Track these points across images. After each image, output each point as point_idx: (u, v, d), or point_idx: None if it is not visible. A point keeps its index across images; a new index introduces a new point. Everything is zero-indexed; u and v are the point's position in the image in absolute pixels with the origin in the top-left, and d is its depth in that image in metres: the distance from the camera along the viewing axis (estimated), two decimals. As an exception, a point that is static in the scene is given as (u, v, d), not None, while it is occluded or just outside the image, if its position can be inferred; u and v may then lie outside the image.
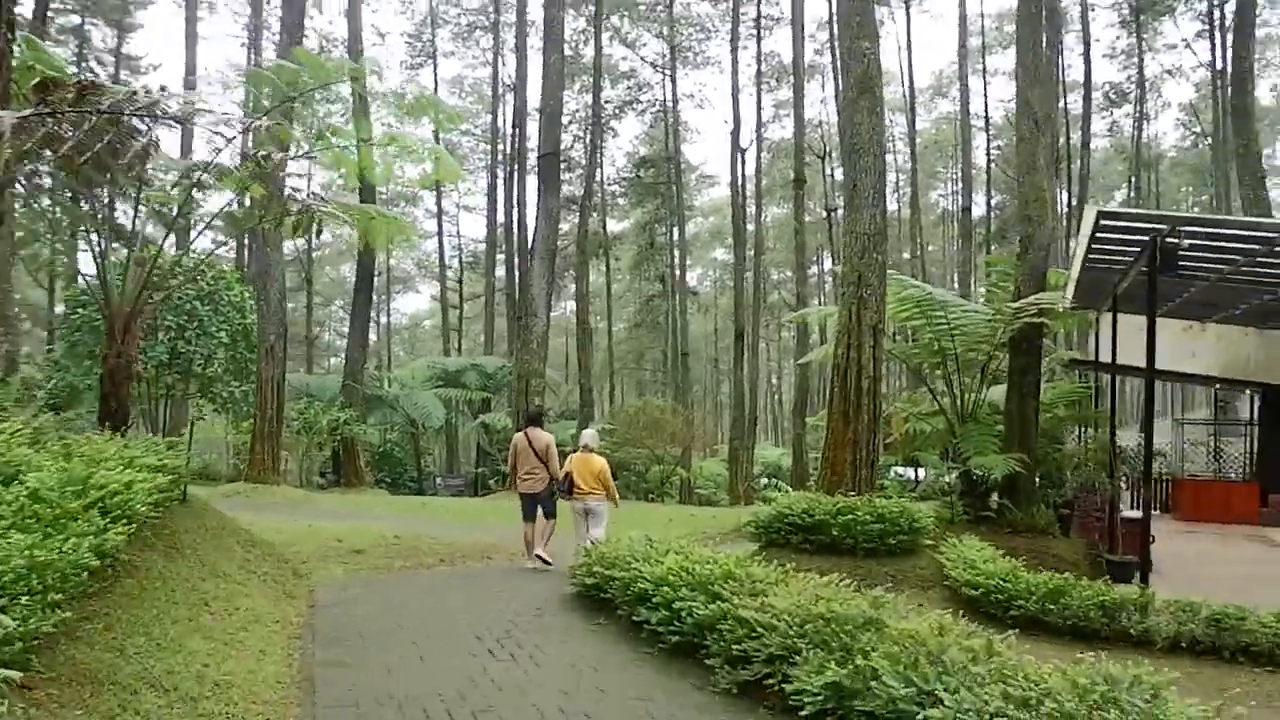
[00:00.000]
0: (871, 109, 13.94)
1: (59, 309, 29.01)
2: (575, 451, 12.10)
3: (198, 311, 25.63)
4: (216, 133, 8.15)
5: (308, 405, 29.20)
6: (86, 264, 11.07)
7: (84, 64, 49.01)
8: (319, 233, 11.60)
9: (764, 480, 44.59)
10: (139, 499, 6.20)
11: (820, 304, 43.68)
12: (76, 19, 48.88)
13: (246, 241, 24.15)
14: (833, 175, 55.46)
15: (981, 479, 14.14)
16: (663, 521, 20.24)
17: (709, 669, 6.78)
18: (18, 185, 9.25)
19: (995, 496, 14.40)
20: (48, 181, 9.57)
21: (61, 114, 6.55)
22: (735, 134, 37.52)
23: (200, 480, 26.50)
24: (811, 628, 6.05)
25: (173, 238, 11.68)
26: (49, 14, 47.34)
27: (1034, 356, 14.44)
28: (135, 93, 7.34)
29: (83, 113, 6.58)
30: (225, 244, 49.88)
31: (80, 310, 25.50)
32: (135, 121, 7.11)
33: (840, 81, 23.61)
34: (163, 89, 7.73)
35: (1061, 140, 37.88)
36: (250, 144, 10.45)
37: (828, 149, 52.47)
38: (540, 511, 12.12)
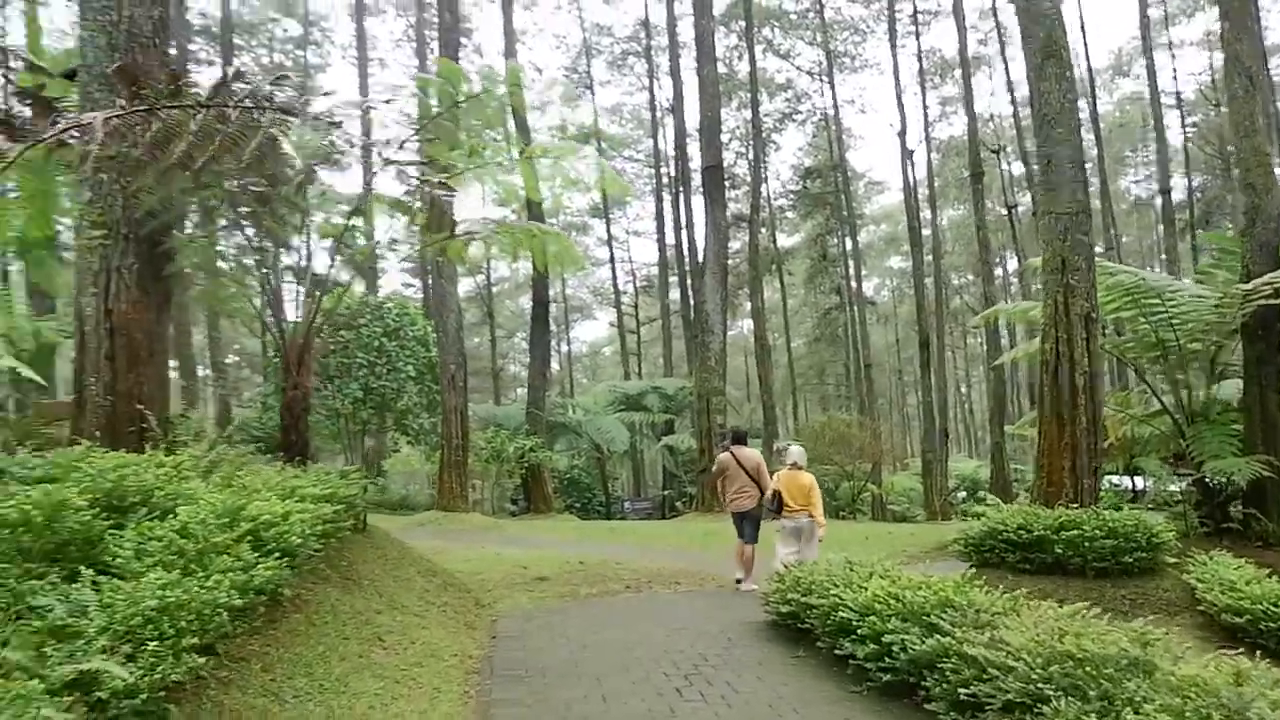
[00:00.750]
0: (1060, 75, 12.47)
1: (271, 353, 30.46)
2: (785, 469, 11.32)
3: (385, 348, 26.30)
4: (333, 123, 7.72)
5: (494, 434, 29.40)
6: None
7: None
8: (486, 259, 11.22)
9: (961, 494, 42.17)
10: (296, 530, 5.73)
11: (1008, 305, 41.06)
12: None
13: (429, 280, 24.58)
14: (1009, 170, 52.54)
15: (1221, 486, 12.38)
16: (858, 540, 18.98)
17: (930, 715, 5.75)
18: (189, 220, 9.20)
19: (1238, 505, 12.57)
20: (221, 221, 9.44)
21: (156, 108, 6.22)
22: (903, 135, 35.87)
23: (401, 510, 27.00)
24: (1059, 670, 4.94)
25: (344, 272, 11.17)
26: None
27: (1272, 343, 12.57)
28: (226, 80, 6.97)
29: (182, 107, 6.22)
30: (411, 285, 51.73)
31: (278, 353, 26.53)
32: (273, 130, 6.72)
33: (1019, 60, 21.75)
34: (280, 80, 7.36)
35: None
36: (409, 167, 10.16)
37: (1001, 143, 49.69)
38: (747, 532, 11.63)
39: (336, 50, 42.67)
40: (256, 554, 5.31)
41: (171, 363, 38.16)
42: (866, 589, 7.17)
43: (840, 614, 7.12)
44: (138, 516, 5.31)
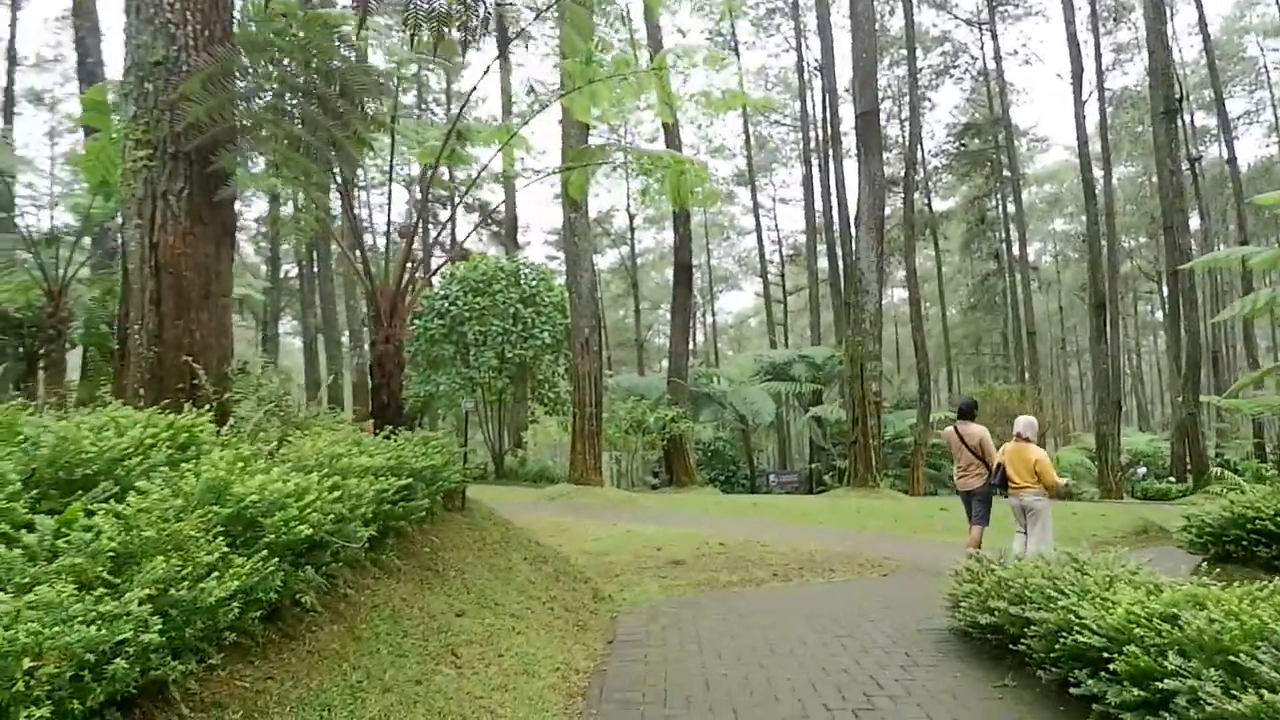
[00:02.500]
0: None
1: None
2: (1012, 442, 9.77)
3: (521, 314, 24.98)
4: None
5: (635, 404, 27.83)
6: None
7: (424, 106, 51.81)
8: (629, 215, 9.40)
9: (1141, 470, 38.26)
10: (314, 516, 4.05)
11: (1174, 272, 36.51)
12: (415, 67, 51.63)
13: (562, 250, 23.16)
14: (1193, 121, 47.43)
15: None
16: (1036, 520, 16.47)
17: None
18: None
19: None
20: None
21: None
22: (1077, 79, 32.02)
23: (540, 482, 25.78)
24: None
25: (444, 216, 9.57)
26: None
27: None
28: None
29: None
30: (554, 258, 50.77)
31: (416, 320, 25.62)
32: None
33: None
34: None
35: None
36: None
37: (1184, 91, 44.67)
38: (977, 512, 10.28)
39: None
40: (242, 549, 3.64)
41: (311, 329, 38.10)
42: (1114, 602, 5.03)
43: (1077, 637, 5.00)
44: (92, 496, 3.72)
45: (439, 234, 50.63)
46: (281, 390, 7.10)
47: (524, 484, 25.52)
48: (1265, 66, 49.41)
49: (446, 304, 24.92)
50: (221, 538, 3.50)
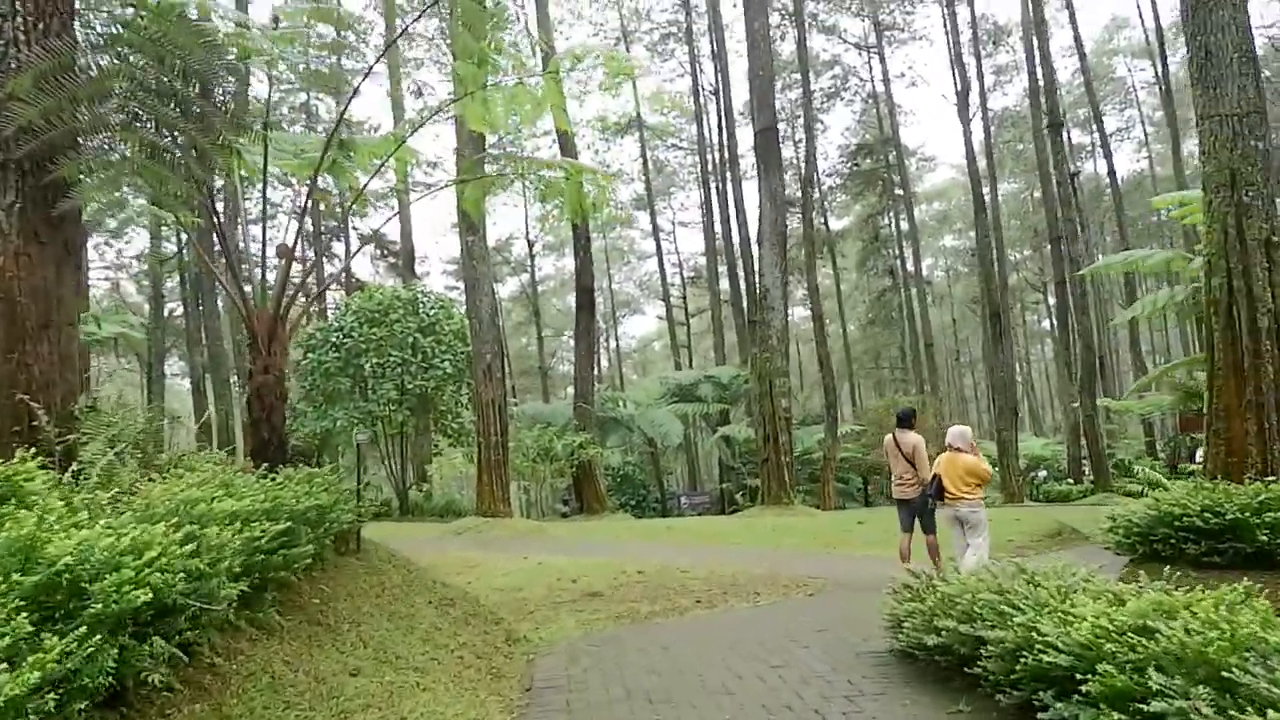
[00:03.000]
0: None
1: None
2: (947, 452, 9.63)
3: (420, 344, 24.04)
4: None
5: (542, 431, 27.04)
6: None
7: (312, 129, 50.22)
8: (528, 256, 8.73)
9: (1042, 473, 39.04)
10: (156, 576, 3.29)
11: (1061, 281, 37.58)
12: (304, 96, 50.04)
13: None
14: (1070, 138, 49.07)
15: None
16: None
17: None
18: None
19: None
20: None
21: None
22: (963, 96, 32.77)
23: (447, 516, 24.75)
24: None
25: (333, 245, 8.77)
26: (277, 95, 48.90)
27: None
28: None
29: None
30: (455, 288, 49.67)
31: (310, 354, 24.43)
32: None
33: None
34: None
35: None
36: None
37: (1063, 108, 46.23)
38: (917, 524, 10.18)
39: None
40: (61, 623, 2.88)
41: (198, 368, 36.22)
42: (1076, 615, 4.59)
43: (1041, 657, 4.53)
44: None
45: (329, 263, 49.17)
46: (147, 428, 6.22)
47: (430, 519, 24.46)
48: (1133, 86, 51.69)
49: (341, 336, 23.81)
50: (26, 612, 2.74)
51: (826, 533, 16.49)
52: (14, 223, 5.87)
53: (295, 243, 8.40)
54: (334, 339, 23.90)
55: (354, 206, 9.48)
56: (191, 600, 3.75)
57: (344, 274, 47.00)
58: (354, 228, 50.68)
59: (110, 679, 3.14)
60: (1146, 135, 53.39)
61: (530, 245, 53.94)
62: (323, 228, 50.47)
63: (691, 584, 11.12)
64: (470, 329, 19.29)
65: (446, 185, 10.28)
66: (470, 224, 18.37)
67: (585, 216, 9.85)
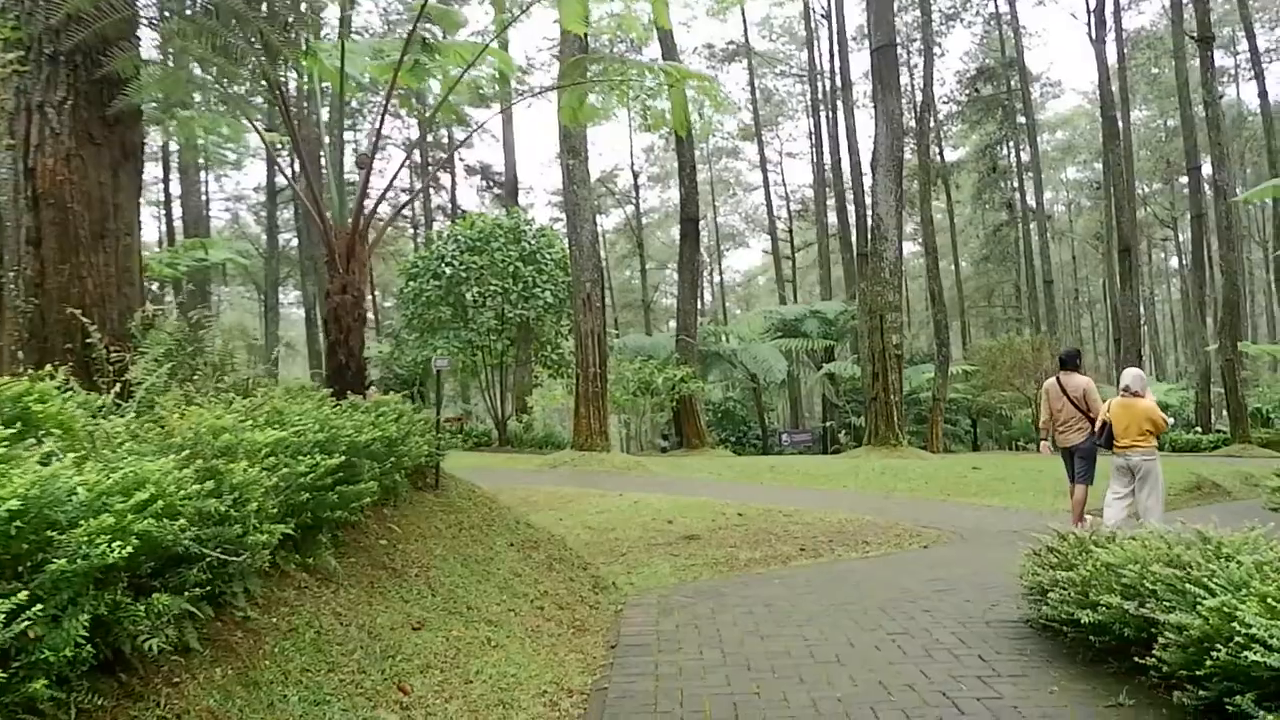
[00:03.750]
0: None
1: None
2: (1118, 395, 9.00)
3: (521, 273, 23.56)
4: None
5: (643, 364, 26.42)
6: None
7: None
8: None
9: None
10: (149, 522, 2.66)
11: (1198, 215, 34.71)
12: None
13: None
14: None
15: None
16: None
17: None
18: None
19: None
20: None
21: None
22: (1099, 10, 30.13)
23: (546, 448, 24.49)
24: None
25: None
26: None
27: None
28: None
29: None
30: (559, 220, 49.27)
31: (411, 282, 24.22)
32: None
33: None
34: None
35: None
36: None
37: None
38: (1078, 471, 9.63)
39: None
40: (21, 580, 2.28)
41: (310, 296, 36.58)
42: (1291, 603, 3.64)
43: (1245, 654, 3.60)
44: None
45: (436, 194, 49.18)
46: (215, 348, 5.71)
47: (529, 450, 24.22)
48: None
49: (442, 264, 23.47)
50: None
51: (939, 478, 15.46)
52: (65, 122, 5.34)
53: (373, 149, 7.70)
54: (434, 267, 23.59)
55: (439, 116, 8.73)
56: (209, 549, 3.13)
57: (452, 207, 47.06)
58: (460, 158, 50.56)
59: (95, 646, 2.54)
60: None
61: (635, 176, 53.05)
62: (430, 159, 50.55)
63: (795, 529, 10.36)
64: (570, 256, 18.63)
65: (541, 92, 9.41)
66: (572, 147, 17.59)
67: (688, 128, 8.91)
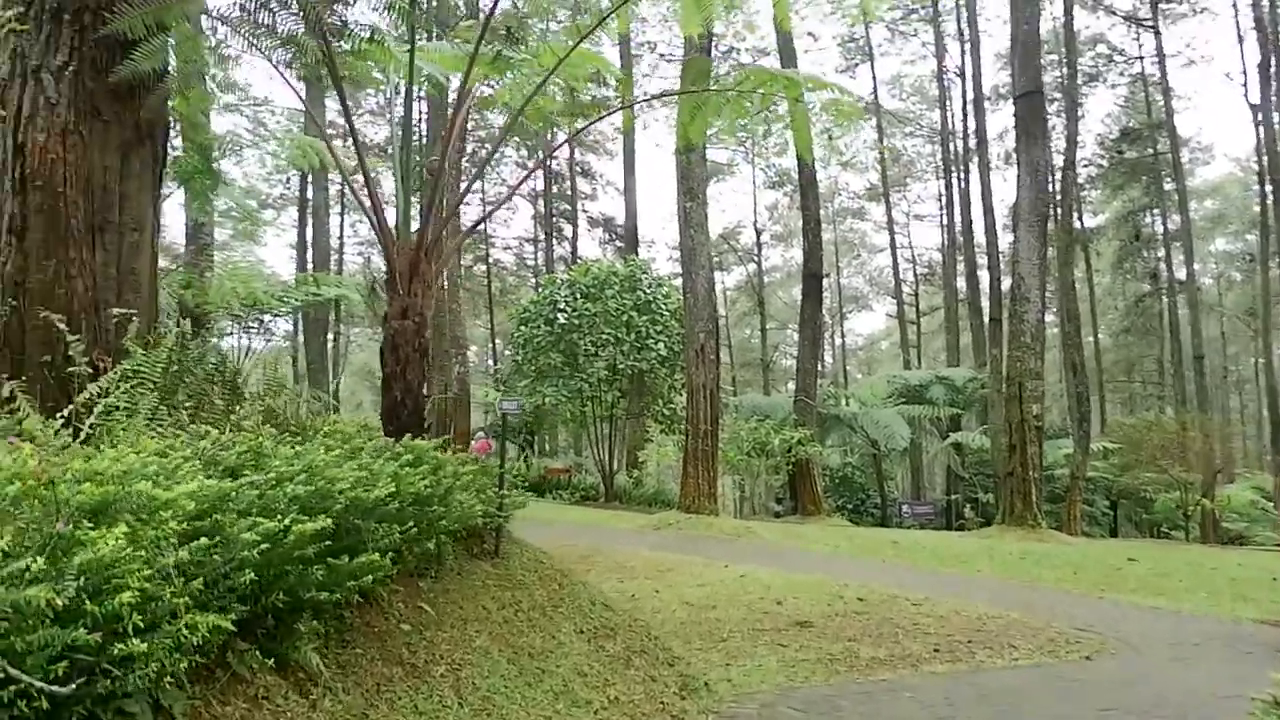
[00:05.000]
0: None
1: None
2: None
3: (635, 322, 22.48)
4: None
5: (759, 424, 24.87)
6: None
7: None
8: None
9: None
10: None
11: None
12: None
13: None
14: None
15: None
16: (1252, 578, 12.79)
17: None
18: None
19: None
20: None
21: None
22: (1264, 68, 27.51)
23: (655, 506, 23.18)
24: None
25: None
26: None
27: None
28: None
29: None
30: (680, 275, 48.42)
31: (523, 327, 23.45)
32: None
33: None
34: None
35: None
36: None
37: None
38: None
39: None
40: None
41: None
42: None
43: None
44: None
45: (559, 244, 49.00)
46: (209, 373, 4.63)
47: (637, 508, 22.89)
48: None
49: (555, 310, 22.61)
50: None
51: (1090, 568, 13.40)
52: (63, 91, 4.40)
53: (443, 156, 6.63)
54: (547, 313, 22.76)
55: (524, 118, 7.64)
56: (33, 673, 1.91)
57: (572, 256, 46.75)
58: (583, 210, 50.45)
59: None
60: None
61: (758, 233, 51.93)
62: (554, 210, 50.60)
63: (926, 623, 8.69)
64: (684, 304, 17.39)
65: (656, 97, 8.28)
66: (689, 189, 16.45)
67: (810, 151, 7.59)
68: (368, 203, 6.10)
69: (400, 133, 6.00)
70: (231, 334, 15.20)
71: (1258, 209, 43.28)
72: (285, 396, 5.66)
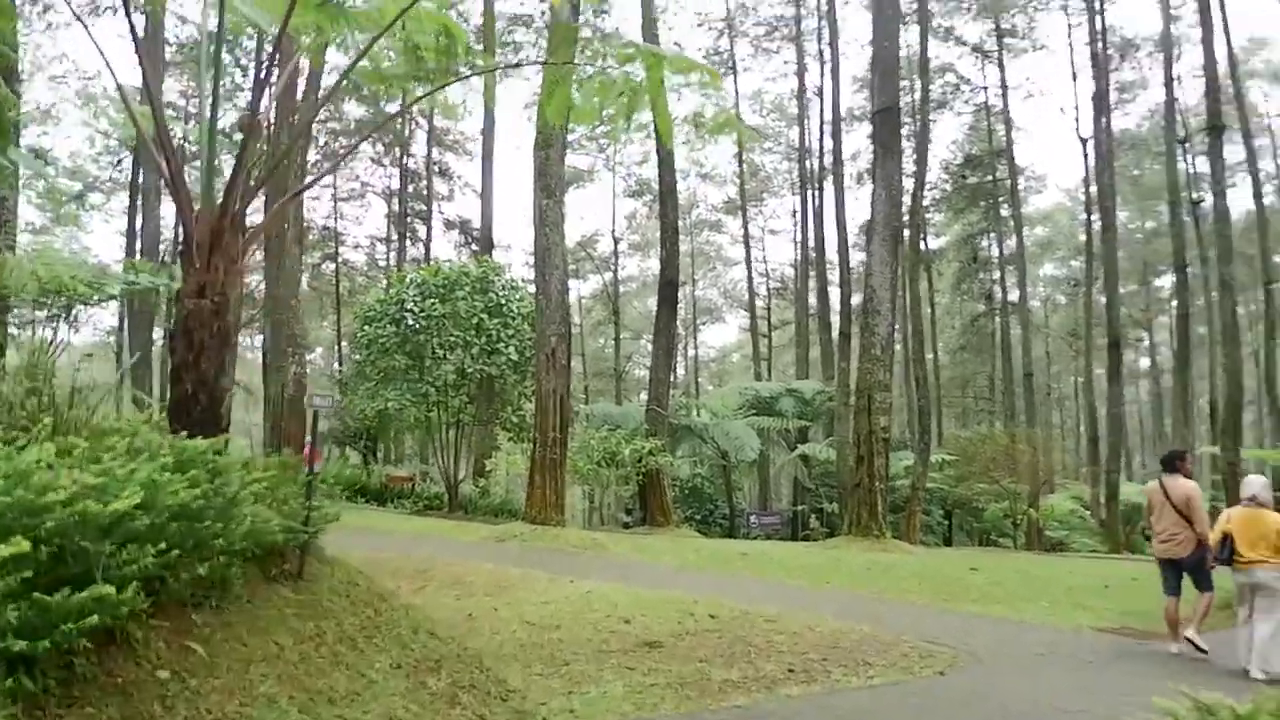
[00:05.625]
0: None
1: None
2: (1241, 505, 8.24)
3: (485, 325, 21.60)
4: None
5: (610, 433, 24.34)
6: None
7: (405, 114, 48.55)
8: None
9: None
10: None
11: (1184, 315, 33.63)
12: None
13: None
14: (1193, 166, 44.63)
15: None
16: (1089, 587, 13.09)
17: None
18: None
19: None
20: None
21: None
22: (1100, 100, 29.06)
23: (502, 516, 22.33)
24: None
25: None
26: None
27: None
28: None
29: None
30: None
31: (368, 326, 22.21)
32: None
33: None
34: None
35: None
36: None
37: (1188, 132, 41.96)
38: (1191, 582, 8.63)
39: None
40: None
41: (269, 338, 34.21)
42: None
43: None
44: None
45: (413, 245, 47.30)
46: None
47: (482, 518, 21.98)
48: (1266, 114, 47.12)
49: (402, 310, 21.48)
50: None
51: (934, 579, 13.43)
52: None
53: (254, 110, 5.74)
54: (393, 313, 21.60)
55: (359, 78, 6.83)
56: None
57: (425, 256, 45.20)
58: (439, 211, 48.95)
59: None
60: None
61: (615, 242, 51.70)
62: (409, 209, 48.91)
63: (780, 640, 8.29)
64: (537, 306, 16.64)
65: (521, 64, 7.58)
66: (546, 185, 15.75)
67: (670, 137, 7.08)
68: (162, 160, 5.16)
69: (212, 83, 5.09)
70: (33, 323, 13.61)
71: (1083, 237, 46.12)
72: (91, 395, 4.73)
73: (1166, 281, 56.56)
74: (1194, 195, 41.37)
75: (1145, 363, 64.44)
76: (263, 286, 36.39)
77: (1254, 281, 45.16)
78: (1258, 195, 29.40)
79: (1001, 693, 6.89)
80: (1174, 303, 54.22)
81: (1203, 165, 47.38)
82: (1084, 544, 37.29)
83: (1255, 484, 8.35)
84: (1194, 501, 8.60)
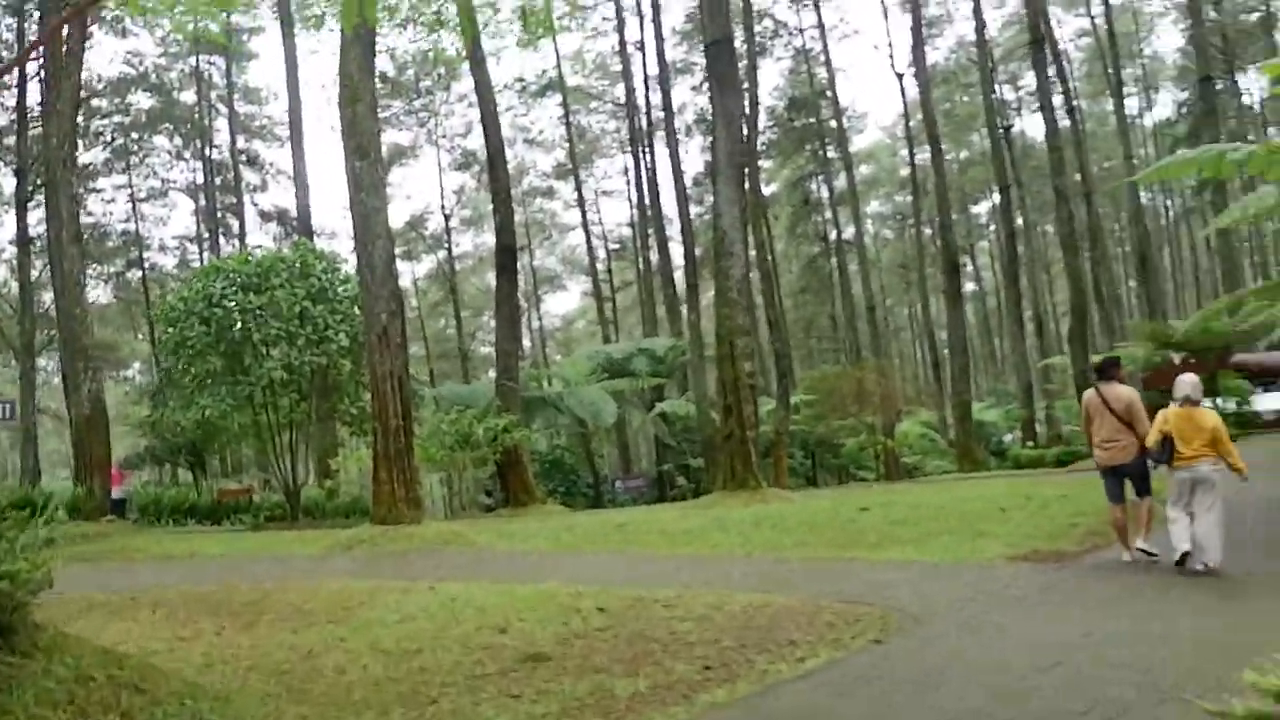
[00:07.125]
0: None
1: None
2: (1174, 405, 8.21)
3: (310, 313, 19.38)
4: None
5: (460, 415, 22.56)
6: None
7: (203, 102, 44.54)
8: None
9: (1007, 437, 35.99)
10: None
11: (990, 247, 34.66)
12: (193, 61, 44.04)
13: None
14: (1001, 95, 45.95)
15: None
16: (986, 511, 12.44)
17: None
18: None
19: None
20: None
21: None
22: (917, 29, 29.06)
23: (354, 518, 20.30)
24: None
25: None
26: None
27: None
28: None
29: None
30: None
31: (172, 328, 19.62)
32: None
33: None
34: None
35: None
36: None
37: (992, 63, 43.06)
38: (1132, 489, 8.63)
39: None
40: None
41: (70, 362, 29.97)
42: None
43: None
44: None
45: (227, 242, 43.51)
46: None
47: (331, 524, 19.84)
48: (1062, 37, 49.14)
49: (210, 306, 18.96)
50: None
51: (827, 526, 12.51)
52: None
53: None
54: (201, 310, 19.05)
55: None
56: None
57: (240, 243, 41.69)
58: (254, 203, 45.38)
59: None
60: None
61: (446, 218, 49.25)
62: (218, 204, 45.12)
63: (685, 630, 6.96)
64: (361, 282, 14.71)
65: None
66: (359, 145, 13.75)
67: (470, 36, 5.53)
68: None
69: None
70: None
71: (906, 171, 46.95)
72: None
73: (983, 209, 58.66)
74: (1003, 121, 42.69)
75: (971, 287, 67.13)
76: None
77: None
78: (1071, 110, 30.05)
79: (957, 661, 5.79)
80: (991, 227, 56.44)
81: (1009, 94, 49.13)
82: (937, 466, 38.18)
83: (1187, 384, 8.35)
84: (1135, 407, 8.59)
